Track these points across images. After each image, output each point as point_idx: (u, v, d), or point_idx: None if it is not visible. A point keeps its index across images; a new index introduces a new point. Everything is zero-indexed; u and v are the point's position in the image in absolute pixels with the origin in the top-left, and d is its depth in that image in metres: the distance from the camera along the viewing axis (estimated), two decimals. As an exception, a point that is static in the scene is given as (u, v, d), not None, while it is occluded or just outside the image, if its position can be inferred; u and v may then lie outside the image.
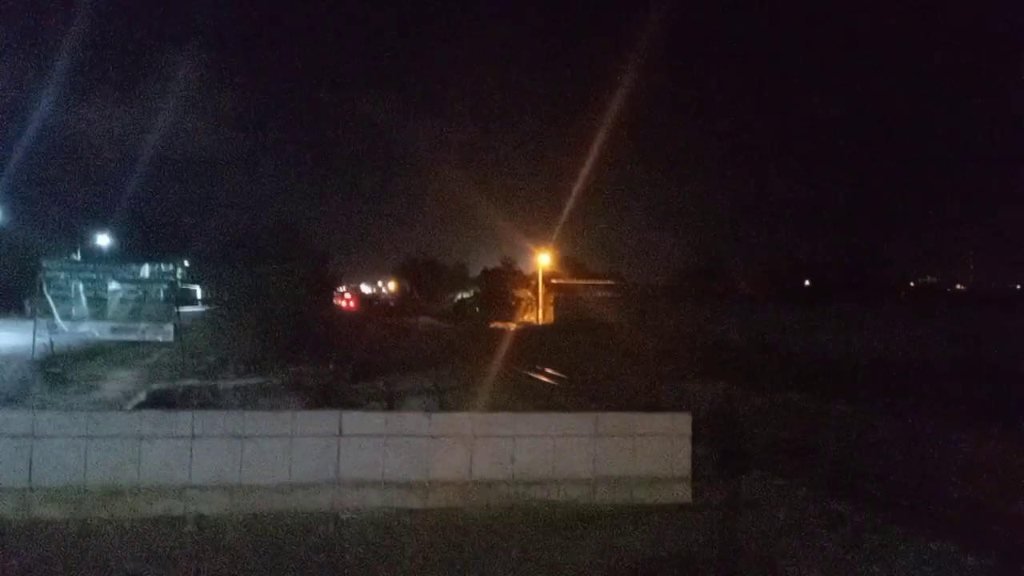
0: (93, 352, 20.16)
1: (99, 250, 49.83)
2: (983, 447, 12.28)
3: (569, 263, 65.68)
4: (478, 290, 70.42)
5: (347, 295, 64.26)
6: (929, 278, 68.65)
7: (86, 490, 8.07)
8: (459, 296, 73.48)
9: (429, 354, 27.80)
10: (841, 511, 9.04)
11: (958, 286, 64.32)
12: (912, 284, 65.83)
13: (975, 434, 12.95)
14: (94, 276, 17.68)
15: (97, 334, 17.74)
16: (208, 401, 14.51)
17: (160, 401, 13.95)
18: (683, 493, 9.37)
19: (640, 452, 9.35)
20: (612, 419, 9.69)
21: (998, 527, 8.42)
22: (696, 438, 9.68)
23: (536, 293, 56.10)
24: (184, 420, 8.53)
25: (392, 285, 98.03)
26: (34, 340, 17.27)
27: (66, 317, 17.23)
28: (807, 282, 62.66)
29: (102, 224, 52.30)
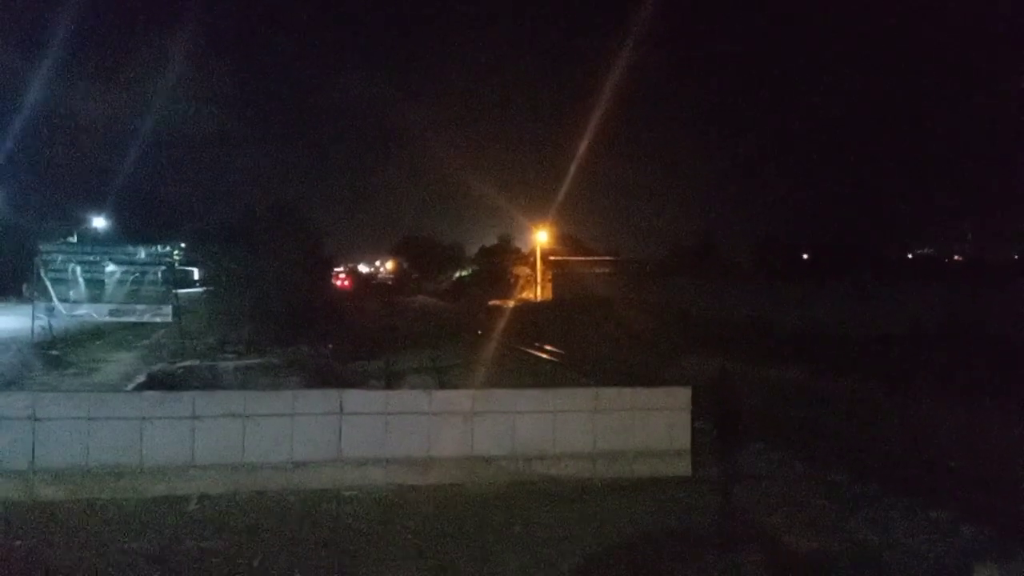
0: (92, 334, 20.17)
1: (96, 233, 49.66)
2: (980, 420, 12.35)
3: (567, 240, 65.54)
4: (476, 268, 70.40)
5: (342, 275, 64.24)
6: (927, 249, 68.63)
7: (89, 471, 8.11)
8: (457, 274, 73.44)
9: (428, 332, 27.85)
10: (839, 482, 9.12)
11: (956, 257, 64.31)
12: (910, 256, 65.84)
13: (972, 407, 13.02)
14: (91, 259, 17.65)
15: (95, 316, 17.75)
16: (208, 382, 14.55)
17: (160, 382, 13.97)
18: (682, 466, 9.43)
19: (639, 426, 9.40)
20: (611, 394, 9.73)
21: (994, 497, 8.50)
22: (695, 412, 9.73)
23: (534, 270, 56.08)
24: (185, 401, 8.55)
25: (390, 264, 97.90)
26: (33, 323, 17.27)
27: (64, 300, 17.23)
28: (805, 256, 62.67)
29: (99, 207, 52.11)
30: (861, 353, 19.76)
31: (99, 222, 52.27)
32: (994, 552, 6.86)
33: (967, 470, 9.70)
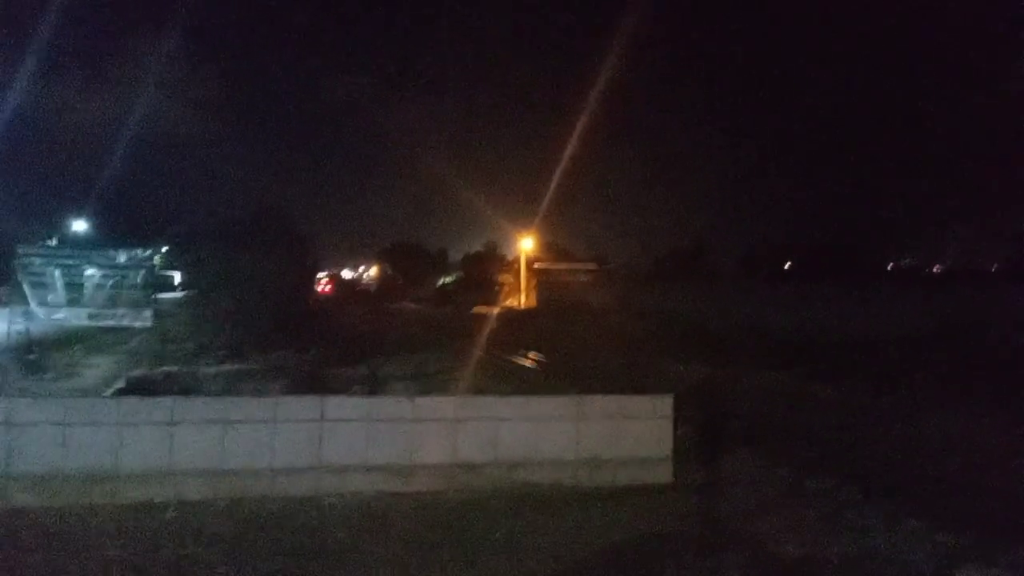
0: (70, 338, 19.91)
1: (76, 235, 49.13)
2: (961, 426, 12.44)
3: (552, 247, 65.64)
4: (460, 275, 70.38)
5: (323, 280, 64.18)
6: (908, 260, 69.30)
7: (65, 478, 7.99)
8: (441, 281, 73.37)
9: (412, 339, 27.71)
10: (821, 489, 9.15)
11: (936, 268, 65.00)
12: (890, 266, 66.46)
13: (954, 413, 13.12)
14: (71, 262, 17.48)
15: (74, 320, 17.56)
16: (189, 387, 14.41)
17: (139, 388, 13.83)
18: (665, 473, 9.43)
19: (622, 434, 9.40)
20: (595, 402, 9.73)
21: (974, 504, 8.55)
22: (678, 419, 9.75)
23: (518, 277, 56.11)
24: (164, 406, 8.46)
25: (374, 270, 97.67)
26: (10, 327, 17.04)
27: (42, 303, 17.03)
28: (788, 264, 63.13)
29: (79, 209, 51.55)
30: (848, 358, 19.87)
31: (80, 225, 51.74)
32: (974, 558, 6.91)
33: (948, 475, 9.77)
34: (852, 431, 12.52)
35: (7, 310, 17.73)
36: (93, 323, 17.88)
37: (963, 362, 17.40)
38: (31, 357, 16.46)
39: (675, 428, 9.69)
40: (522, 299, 53.90)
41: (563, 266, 60.30)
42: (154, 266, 19.14)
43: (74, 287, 17.17)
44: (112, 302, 17.26)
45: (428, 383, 16.68)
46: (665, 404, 9.65)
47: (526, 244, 57.30)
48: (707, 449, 10.81)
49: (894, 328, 23.52)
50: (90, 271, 17.28)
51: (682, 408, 9.91)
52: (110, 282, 17.26)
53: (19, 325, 17.23)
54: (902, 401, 14.38)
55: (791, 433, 12.35)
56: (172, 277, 34.80)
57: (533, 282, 55.34)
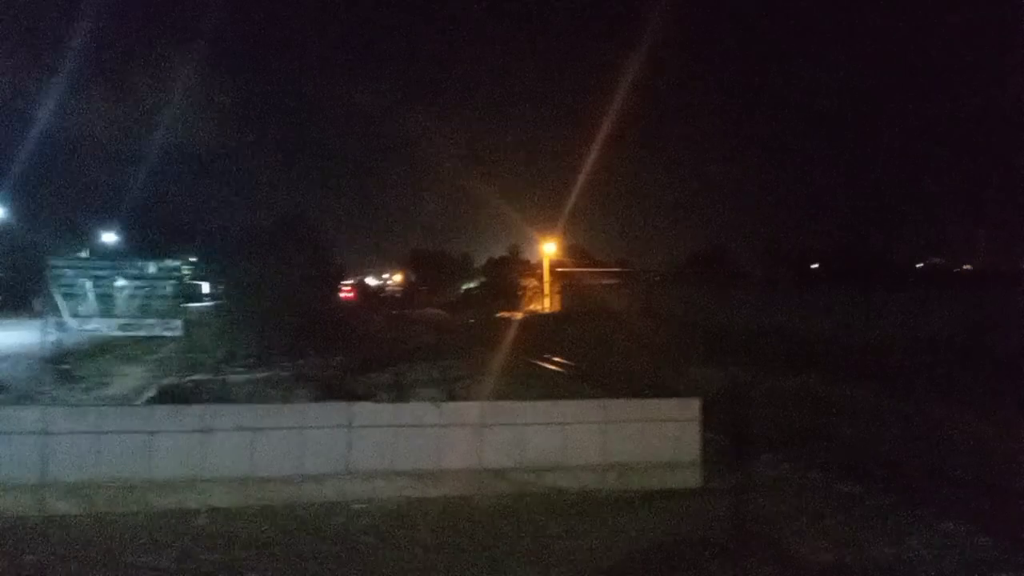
0: (102, 349, 20.26)
1: (106, 247, 49.98)
2: (992, 429, 12.23)
3: (575, 251, 65.65)
4: (484, 280, 70.56)
5: (346, 287, 64.76)
6: (936, 259, 68.11)
7: (99, 485, 8.12)
8: (465, 286, 73.58)
9: (436, 344, 27.82)
10: (852, 493, 9.04)
11: (966, 267, 63.79)
12: (920, 266, 65.40)
13: (984, 416, 12.90)
14: (102, 273, 17.74)
15: (105, 331, 17.81)
16: (218, 395, 14.59)
17: (170, 396, 14.03)
18: (693, 478, 9.37)
19: (649, 438, 9.36)
20: (621, 406, 9.71)
21: (1007, 508, 8.41)
22: (706, 423, 9.68)
23: (542, 282, 56.07)
24: (195, 414, 8.57)
25: (398, 276, 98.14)
26: (44, 338, 17.36)
27: (74, 314, 17.29)
28: (814, 266, 62.38)
29: (110, 222, 52.48)
30: (873, 361, 19.61)
31: (109, 237, 52.62)
32: (1008, 564, 6.79)
33: (981, 480, 9.61)
34: (881, 435, 12.36)
35: (41, 321, 18.06)
36: (124, 333, 18.13)
37: (993, 365, 17.10)
38: (65, 367, 16.76)
39: (703, 432, 9.62)
40: (546, 303, 53.86)
41: (587, 270, 60.20)
42: (183, 276, 19.38)
43: (105, 298, 17.40)
44: (143, 312, 17.50)
45: (453, 388, 16.72)
46: (692, 407, 9.59)
47: (549, 248, 57.29)
48: (735, 453, 10.73)
49: (922, 330, 23.17)
50: (121, 282, 17.53)
51: (709, 412, 9.83)
52: (141, 293, 17.50)
53: (52, 336, 17.54)
54: (932, 405, 14.16)
55: (820, 437, 12.22)
56: (200, 287, 35.28)
57: (557, 286, 55.30)
